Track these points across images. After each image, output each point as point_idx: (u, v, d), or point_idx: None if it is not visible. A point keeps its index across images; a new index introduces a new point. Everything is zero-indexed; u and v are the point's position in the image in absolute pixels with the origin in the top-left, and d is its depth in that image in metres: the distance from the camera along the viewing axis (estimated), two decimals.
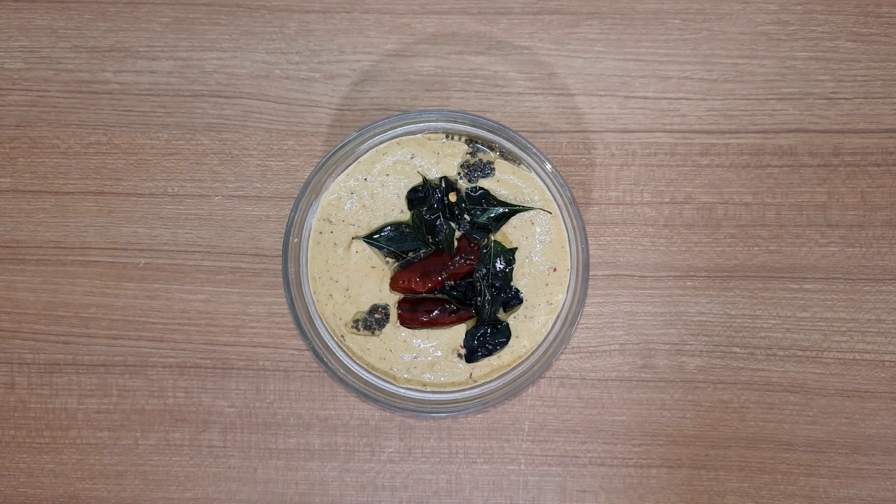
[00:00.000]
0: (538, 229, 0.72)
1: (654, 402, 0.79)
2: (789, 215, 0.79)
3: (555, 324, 0.73)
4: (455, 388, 0.73)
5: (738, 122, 0.79)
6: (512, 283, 0.72)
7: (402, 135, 0.72)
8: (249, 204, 0.79)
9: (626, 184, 0.79)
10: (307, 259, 0.73)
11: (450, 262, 0.72)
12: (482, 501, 0.79)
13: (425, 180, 0.72)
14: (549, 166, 0.71)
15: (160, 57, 0.80)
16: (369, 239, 0.72)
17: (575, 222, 0.71)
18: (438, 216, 0.72)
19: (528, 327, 0.73)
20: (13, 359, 0.80)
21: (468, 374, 0.73)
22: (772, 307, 0.79)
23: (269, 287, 0.79)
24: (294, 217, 0.71)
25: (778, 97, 0.79)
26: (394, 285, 0.72)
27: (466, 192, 0.72)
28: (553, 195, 0.72)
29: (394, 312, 0.72)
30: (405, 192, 0.72)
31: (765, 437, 0.79)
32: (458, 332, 0.73)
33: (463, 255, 0.72)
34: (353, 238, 0.73)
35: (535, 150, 0.71)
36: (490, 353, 0.73)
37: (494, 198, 0.72)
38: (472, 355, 0.72)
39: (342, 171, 0.73)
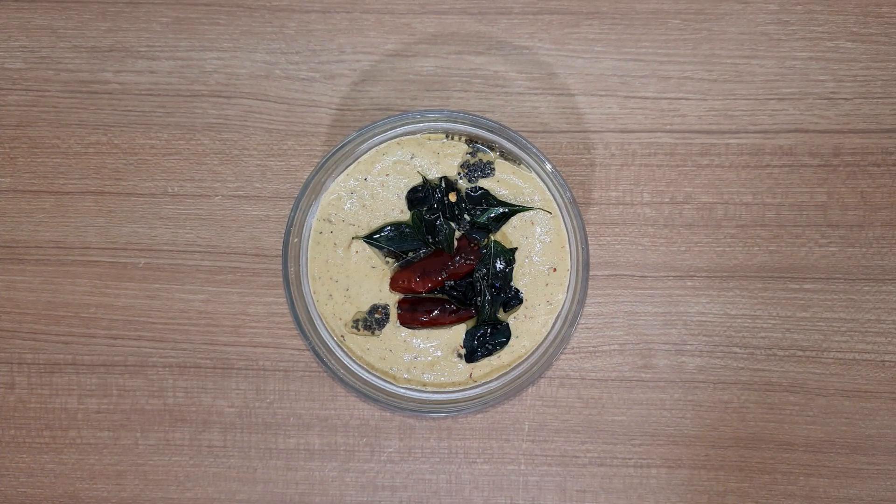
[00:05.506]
0: (538, 229, 0.72)
1: (654, 402, 0.79)
2: (789, 215, 0.79)
3: (555, 324, 0.73)
4: (455, 388, 0.73)
5: (738, 122, 0.79)
6: (512, 283, 0.72)
7: (402, 135, 0.72)
8: (249, 204, 0.79)
9: (626, 184, 0.79)
10: (307, 259, 0.73)
11: (450, 262, 0.72)
12: (482, 501, 0.79)
13: (425, 180, 0.72)
14: (549, 166, 0.71)
15: (160, 57, 0.79)
16: (369, 239, 0.72)
17: (575, 222, 0.71)
18: (438, 216, 0.72)
19: (528, 327, 0.73)
20: (13, 359, 0.80)
21: (468, 374, 0.73)
22: (772, 307, 0.79)
23: (269, 287, 0.79)
24: (294, 217, 0.71)
25: (778, 97, 0.79)
26: (394, 285, 0.72)
27: (466, 192, 0.72)
28: (553, 195, 0.72)
29: (394, 312, 0.72)
30: (405, 192, 0.72)
31: (765, 437, 0.79)
32: (458, 332, 0.73)
33: (463, 255, 0.72)
34: (353, 238, 0.73)
35: (535, 150, 0.71)
36: (490, 353, 0.73)
37: (494, 198, 0.72)
38: (472, 355, 0.72)
39: (342, 171, 0.73)
